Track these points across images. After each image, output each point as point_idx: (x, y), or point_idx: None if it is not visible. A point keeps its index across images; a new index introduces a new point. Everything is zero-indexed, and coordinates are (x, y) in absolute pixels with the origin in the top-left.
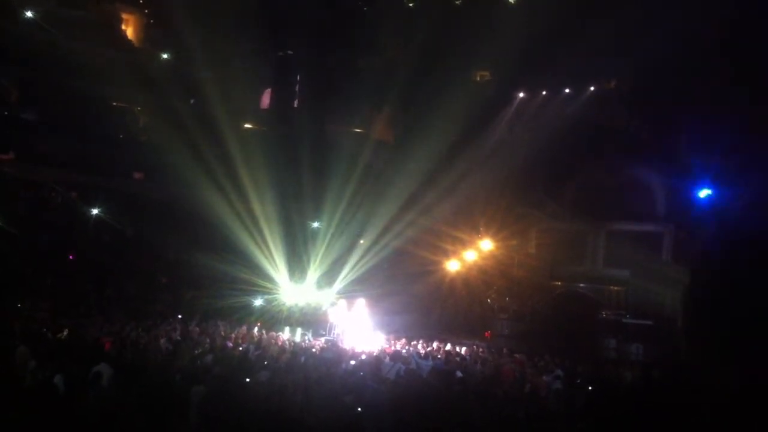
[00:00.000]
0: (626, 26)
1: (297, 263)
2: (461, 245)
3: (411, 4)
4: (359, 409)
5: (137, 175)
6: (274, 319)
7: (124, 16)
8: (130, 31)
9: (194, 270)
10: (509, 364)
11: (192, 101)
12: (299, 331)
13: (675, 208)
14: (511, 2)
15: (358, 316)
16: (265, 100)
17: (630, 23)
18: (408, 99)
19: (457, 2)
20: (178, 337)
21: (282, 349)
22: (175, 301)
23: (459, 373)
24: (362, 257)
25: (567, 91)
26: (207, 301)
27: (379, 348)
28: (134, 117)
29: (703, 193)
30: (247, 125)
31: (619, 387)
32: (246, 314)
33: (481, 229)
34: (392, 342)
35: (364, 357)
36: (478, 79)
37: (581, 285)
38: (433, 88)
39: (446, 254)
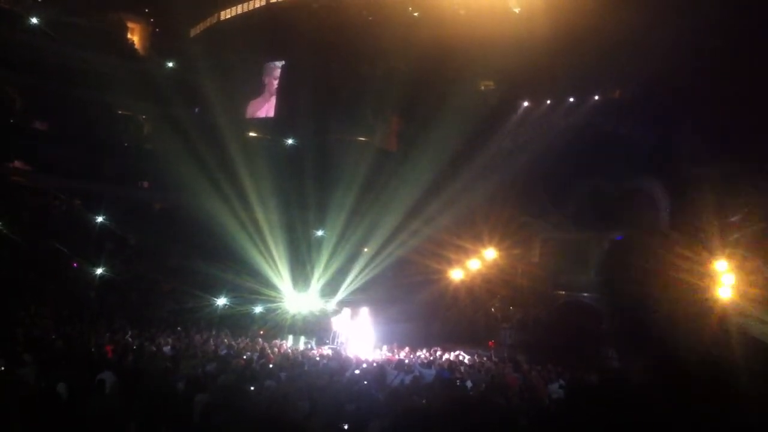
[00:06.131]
0: (631, 35)
1: (300, 271)
2: (465, 254)
3: (416, 14)
4: (362, 417)
5: (142, 184)
6: (277, 327)
7: (130, 24)
8: (135, 39)
9: (197, 278)
10: (513, 373)
11: (196, 110)
12: (303, 339)
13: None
14: (515, 11)
15: (362, 325)
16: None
17: (634, 32)
18: (412, 108)
19: (461, 12)
20: (182, 345)
21: (285, 357)
22: (178, 309)
23: (462, 382)
24: (366, 266)
25: (571, 100)
26: (210, 309)
27: (383, 357)
28: (139, 125)
29: None
30: (251, 134)
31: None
32: (249, 322)
33: (485, 238)
34: (395, 351)
35: (365, 366)
36: (483, 88)
37: (585, 294)
38: (437, 97)
39: (450, 263)
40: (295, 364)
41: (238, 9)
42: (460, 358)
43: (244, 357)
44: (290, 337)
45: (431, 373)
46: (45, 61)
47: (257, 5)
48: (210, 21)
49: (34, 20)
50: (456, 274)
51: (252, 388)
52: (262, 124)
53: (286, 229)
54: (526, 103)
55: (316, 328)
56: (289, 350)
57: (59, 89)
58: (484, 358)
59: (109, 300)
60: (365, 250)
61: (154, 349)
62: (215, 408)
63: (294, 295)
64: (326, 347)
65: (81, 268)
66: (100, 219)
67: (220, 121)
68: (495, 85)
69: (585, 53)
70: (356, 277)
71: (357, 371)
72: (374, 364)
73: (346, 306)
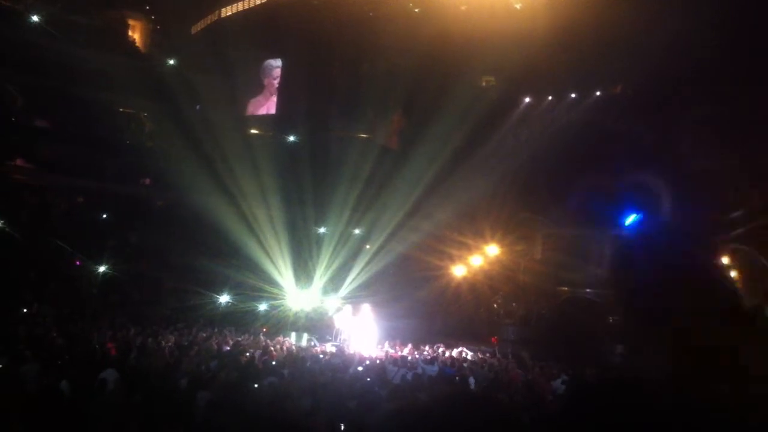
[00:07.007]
0: (632, 30)
1: (303, 268)
2: (467, 250)
3: (416, 10)
4: (364, 414)
5: (144, 181)
6: (280, 324)
7: (131, 22)
8: (136, 37)
9: (200, 275)
10: (516, 369)
11: (198, 107)
12: (305, 336)
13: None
14: (516, 7)
15: (364, 322)
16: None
17: (636, 27)
18: (413, 104)
19: (462, 7)
20: (184, 343)
21: (288, 354)
22: (180, 307)
23: (465, 378)
24: (368, 262)
25: (573, 95)
26: (212, 307)
27: (385, 353)
28: (140, 123)
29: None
30: (252, 131)
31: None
32: (252, 319)
33: (487, 234)
34: (398, 347)
35: (368, 362)
36: (484, 84)
37: (587, 290)
38: (438, 93)
39: (452, 259)
40: (297, 360)
41: (239, 6)
42: (463, 354)
43: (247, 354)
44: (293, 334)
45: (434, 369)
46: (46, 59)
47: (258, 2)
48: (211, 18)
49: (35, 18)
50: (458, 271)
51: (255, 385)
52: (263, 121)
53: (288, 226)
54: (527, 99)
55: (319, 325)
56: (293, 347)
57: (60, 87)
58: (487, 355)
59: (112, 298)
60: (367, 246)
61: (157, 347)
62: (218, 405)
63: (296, 292)
64: (329, 344)
65: (83, 265)
66: (102, 216)
67: (222, 118)
68: (496, 81)
69: (586, 49)
70: (358, 274)
71: (360, 368)
72: (377, 361)
73: (349, 303)
